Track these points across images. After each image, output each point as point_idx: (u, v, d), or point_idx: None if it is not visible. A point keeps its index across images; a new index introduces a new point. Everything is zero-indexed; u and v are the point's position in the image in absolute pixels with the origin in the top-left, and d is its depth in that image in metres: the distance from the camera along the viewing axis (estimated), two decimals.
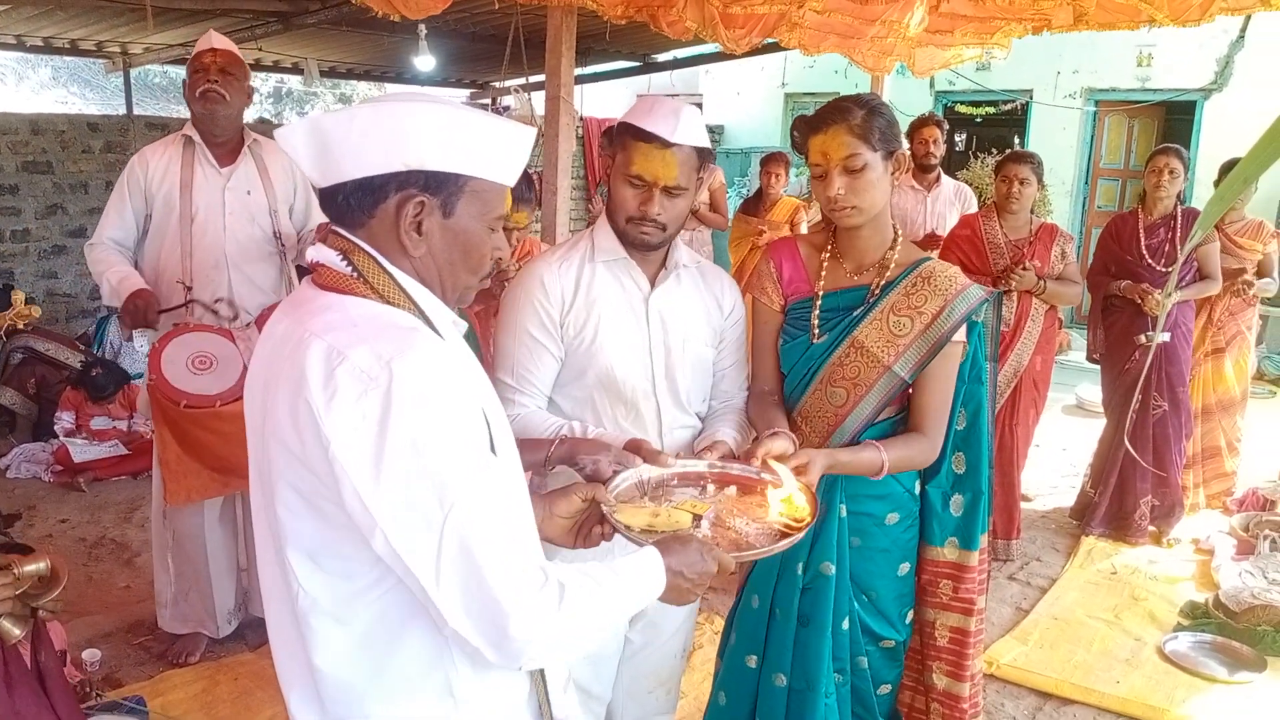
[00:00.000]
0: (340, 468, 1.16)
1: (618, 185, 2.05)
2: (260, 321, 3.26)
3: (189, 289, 3.24)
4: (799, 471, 1.84)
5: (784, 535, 1.69)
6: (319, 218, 3.53)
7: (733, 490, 1.86)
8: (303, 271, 3.97)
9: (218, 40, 3.26)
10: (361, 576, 1.24)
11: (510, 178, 1.35)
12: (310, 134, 1.26)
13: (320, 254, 1.32)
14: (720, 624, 2.44)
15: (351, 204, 1.29)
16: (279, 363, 1.25)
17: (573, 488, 1.64)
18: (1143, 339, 4.52)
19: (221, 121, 3.26)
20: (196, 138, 3.28)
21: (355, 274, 1.29)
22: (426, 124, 1.26)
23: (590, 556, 1.54)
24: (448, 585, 1.18)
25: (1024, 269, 4.18)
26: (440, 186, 1.28)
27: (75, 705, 2.37)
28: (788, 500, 1.77)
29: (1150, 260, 4.55)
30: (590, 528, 1.64)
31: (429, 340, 1.24)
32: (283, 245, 3.40)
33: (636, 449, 1.86)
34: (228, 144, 3.32)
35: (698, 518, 1.68)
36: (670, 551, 1.45)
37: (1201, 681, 3.50)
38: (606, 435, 2.01)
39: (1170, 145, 4.65)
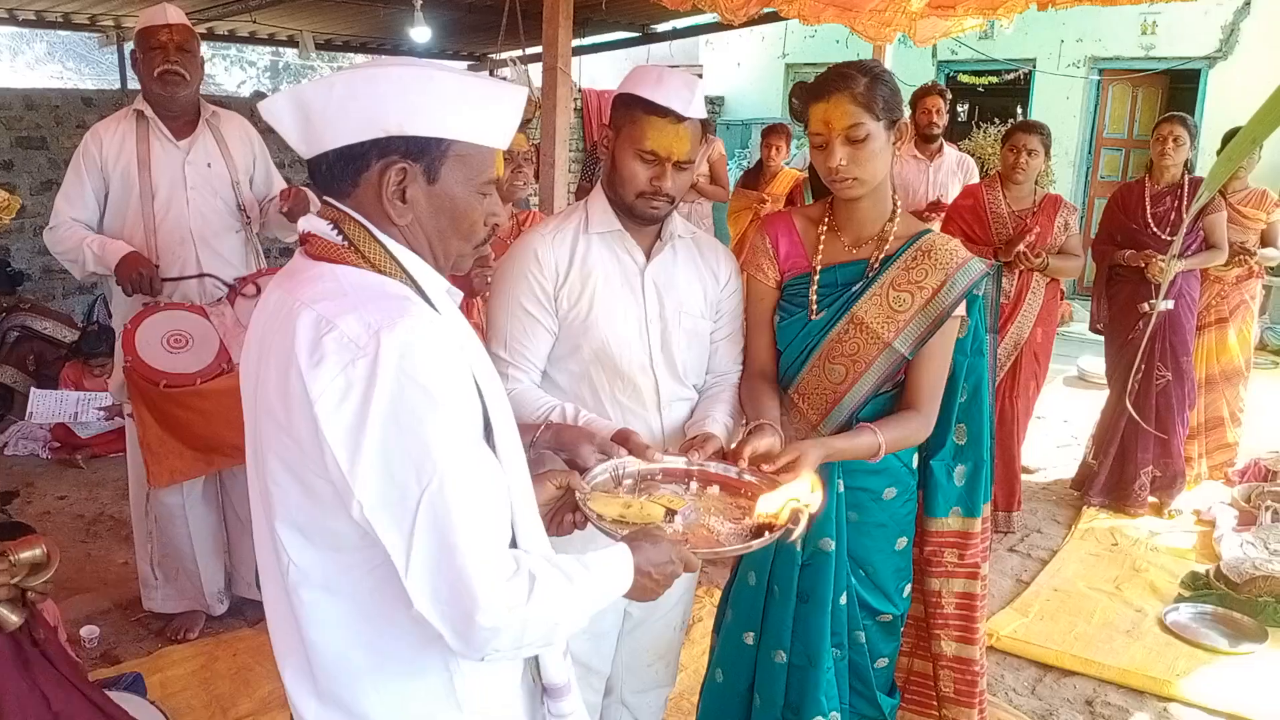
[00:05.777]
0: (324, 436, 1.15)
1: (626, 159, 2.00)
2: (232, 296, 3.18)
3: (155, 267, 3.12)
4: (788, 468, 1.79)
5: (757, 536, 1.63)
6: (280, 186, 3.44)
7: (716, 490, 1.80)
8: (275, 244, 3.84)
9: (173, 14, 3.11)
10: (350, 550, 1.22)
11: (499, 139, 1.30)
12: (292, 105, 1.24)
13: (311, 224, 1.30)
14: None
15: (335, 173, 1.26)
16: (271, 334, 1.24)
17: (547, 474, 1.60)
18: (1146, 306, 4.49)
19: (181, 101, 3.16)
20: (149, 112, 3.16)
21: (346, 243, 1.26)
22: (403, 88, 1.22)
23: (561, 546, 1.47)
24: (417, 564, 1.15)
25: (1035, 256, 4.14)
26: (422, 152, 1.25)
27: (84, 676, 2.37)
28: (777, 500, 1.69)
29: (1156, 229, 4.51)
30: (563, 515, 1.61)
31: (421, 311, 1.21)
32: (247, 217, 3.33)
33: (624, 440, 1.82)
34: (183, 117, 3.21)
35: (671, 512, 1.64)
36: (639, 549, 1.41)
37: (1202, 652, 3.50)
38: (596, 422, 1.95)
39: (1176, 113, 4.62)
